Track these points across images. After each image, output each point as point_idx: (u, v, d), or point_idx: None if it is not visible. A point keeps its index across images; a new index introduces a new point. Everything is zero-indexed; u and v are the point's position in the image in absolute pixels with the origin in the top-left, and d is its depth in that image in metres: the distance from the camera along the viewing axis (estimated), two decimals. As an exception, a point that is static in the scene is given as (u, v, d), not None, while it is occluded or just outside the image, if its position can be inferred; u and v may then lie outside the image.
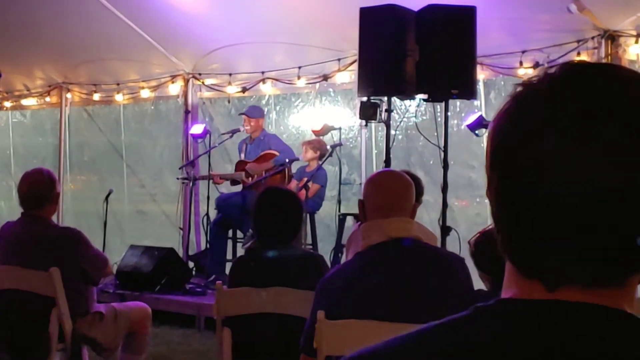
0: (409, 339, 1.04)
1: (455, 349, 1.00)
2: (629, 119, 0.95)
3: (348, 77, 8.25)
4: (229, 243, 8.93)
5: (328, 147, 8.45)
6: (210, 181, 9.07)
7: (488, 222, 7.97)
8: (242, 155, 8.98)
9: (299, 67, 8.77)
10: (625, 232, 0.95)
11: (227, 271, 7.08)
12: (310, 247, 8.09)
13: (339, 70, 8.47)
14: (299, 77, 8.85)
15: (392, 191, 3.48)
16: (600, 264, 0.96)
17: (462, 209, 6.82)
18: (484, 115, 7.49)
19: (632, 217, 0.95)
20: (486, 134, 7.56)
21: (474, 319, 1.01)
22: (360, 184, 8.67)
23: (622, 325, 0.96)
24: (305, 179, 8.20)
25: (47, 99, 11.44)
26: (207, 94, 10.04)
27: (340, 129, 8.72)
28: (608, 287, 0.97)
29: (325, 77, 8.68)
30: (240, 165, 8.89)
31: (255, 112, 9.01)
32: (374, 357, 1.06)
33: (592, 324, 0.95)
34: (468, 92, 6.13)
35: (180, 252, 9.19)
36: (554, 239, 0.96)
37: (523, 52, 7.33)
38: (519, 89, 1.02)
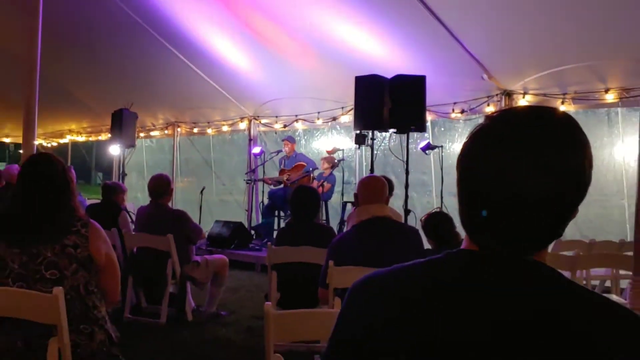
0: (405, 268, 1.04)
1: (434, 274, 1.00)
2: (537, 146, 0.93)
3: (348, 118, 8.22)
4: (275, 220, 8.89)
5: (336, 161, 8.44)
6: (264, 182, 9.13)
7: (434, 207, 7.98)
8: (282, 166, 8.97)
9: (318, 112, 8.74)
10: (536, 221, 0.94)
11: (274, 236, 7.11)
12: (325, 221, 8.07)
13: (342, 114, 8.42)
14: (318, 118, 8.81)
15: (374, 188, 3.47)
16: (525, 242, 0.96)
17: (417, 199, 6.81)
18: (430, 141, 7.47)
19: (538, 211, 0.93)
20: (432, 153, 7.55)
21: (444, 259, 1.01)
22: (355, 183, 8.64)
23: (543, 275, 0.95)
24: (322, 181, 8.21)
25: (166, 131, 11.44)
26: (262, 128, 9.99)
27: (343, 150, 8.71)
28: (529, 251, 0.97)
29: (334, 118, 8.63)
30: (282, 172, 8.88)
31: (290, 139, 9.03)
32: (378, 279, 1.06)
33: (512, 266, 0.95)
34: (421, 127, 6.09)
35: (246, 224, 9.17)
36: (494, 220, 0.95)
37: (454, 103, 7.29)
38: (476, 127, 1.01)
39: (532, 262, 0.96)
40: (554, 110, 1.01)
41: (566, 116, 0.99)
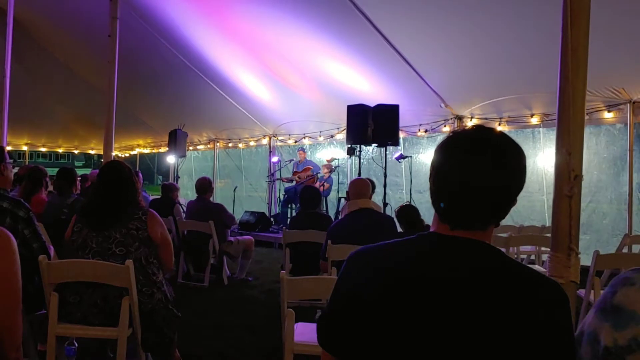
0: (387, 244, 1.03)
1: (408, 251, 0.99)
2: (490, 152, 0.94)
3: (342, 135, 8.21)
4: (289, 210, 8.87)
5: (333, 167, 8.41)
6: (281, 181, 9.13)
7: (404, 201, 7.95)
8: (295, 169, 8.95)
9: (320, 131, 8.71)
10: (487, 208, 0.94)
11: (288, 222, 7.08)
12: (325, 211, 8.05)
13: (338, 133, 8.39)
14: (320, 136, 8.79)
15: (361, 187, 3.45)
16: (475, 219, 0.96)
17: (392, 195, 6.79)
18: (402, 152, 7.45)
19: (488, 201, 0.93)
20: (403, 161, 7.52)
21: (416, 239, 1.00)
22: (347, 184, 8.62)
23: (481, 249, 0.95)
24: (323, 182, 8.18)
25: (208, 145, 11.42)
26: (279, 143, 9.94)
27: (338, 159, 8.65)
28: (478, 230, 0.96)
29: (332, 136, 8.60)
30: (294, 174, 8.91)
31: (303, 150, 9.01)
32: (369, 251, 1.05)
33: (467, 247, 0.95)
34: (395, 142, 6.05)
35: (267, 214, 9.14)
36: (457, 205, 0.95)
37: (420, 124, 7.26)
38: (444, 140, 1.01)
39: (478, 242, 0.95)
40: (494, 129, 1.02)
41: (503, 133, 1.00)
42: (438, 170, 0.98)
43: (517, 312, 0.86)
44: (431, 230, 1.02)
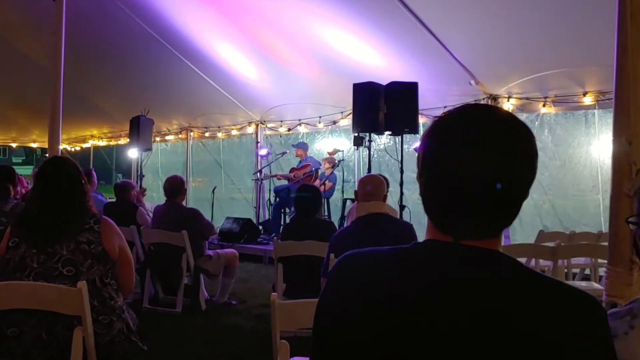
0: (385, 251, 1.04)
1: (404, 260, 1.00)
2: (495, 138, 0.94)
3: (347, 122, 8.19)
4: (281, 216, 8.88)
5: (336, 161, 8.43)
6: (272, 179, 9.16)
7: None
8: (296, 166, 9.00)
9: (320, 117, 8.72)
10: (496, 205, 0.94)
11: (280, 231, 7.11)
12: (327, 217, 8.07)
13: (342, 118, 8.39)
14: (319, 122, 8.80)
15: (372, 186, 3.44)
16: (482, 227, 0.95)
17: (409, 195, 6.77)
18: (423, 142, 7.45)
19: (499, 196, 0.93)
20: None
21: (413, 248, 1.01)
22: (354, 182, 8.64)
23: (492, 258, 0.94)
24: (325, 180, 8.20)
25: (179, 135, 11.44)
26: (268, 132, 9.96)
27: (343, 151, 8.69)
28: (486, 239, 0.96)
29: (334, 122, 8.61)
30: (292, 170, 8.92)
31: (301, 146, 9.05)
32: (362, 255, 1.07)
33: (476, 256, 0.94)
34: (413, 129, 6.07)
35: (254, 220, 9.16)
36: (460, 212, 0.95)
37: (444, 107, 7.21)
38: (436, 120, 1.01)
39: (487, 251, 0.95)
40: (499, 108, 1.03)
41: (510, 113, 1.00)
42: (430, 167, 0.98)
43: (552, 340, 0.85)
44: (427, 237, 1.02)
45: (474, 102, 6.97)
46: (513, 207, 0.95)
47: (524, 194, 0.95)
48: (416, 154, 1.03)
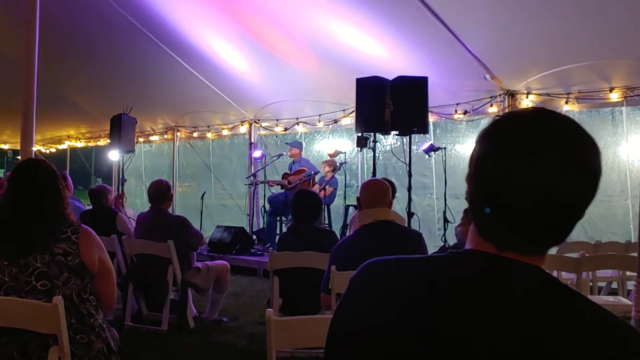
0: (416, 259, 1.04)
1: (440, 270, 1.00)
2: (557, 146, 0.93)
3: (349, 120, 8.22)
4: (277, 224, 8.88)
5: (338, 164, 8.44)
6: (266, 184, 9.14)
7: (435, 210, 7.96)
8: (290, 170, 8.97)
9: (319, 115, 8.75)
10: (547, 224, 0.94)
11: (276, 240, 7.10)
12: (327, 225, 8.07)
13: (343, 117, 8.42)
14: (319, 121, 8.82)
15: (376, 191, 3.45)
16: (529, 242, 0.96)
17: (418, 202, 6.80)
18: (433, 143, 7.47)
19: (551, 214, 0.93)
20: (435, 155, 7.53)
21: (448, 258, 1.01)
22: (357, 186, 8.63)
23: (533, 276, 0.95)
24: (324, 184, 8.20)
25: (165, 136, 11.47)
26: (263, 132, 9.99)
27: (345, 153, 8.70)
28: (532, 255, 0.96)
29: (335, 121, 8.64)
30: (285, 176, 8.90)
31: (295, 145, 9.06)
32: (386, 263, 1.06)
33: (521, 272, 0.95)
34: (423, 129, 6.06)
35: (248, 229, 9.16)
36: (508, 224, 0.95)
37: (457, 104, 7.28)
38: (497, 118, 1.00)
39: (529, 268, 0.96)
40: (558, 113, 1.01)
41: (571, 119, 0.99)
42: (481, 169, 0.98)
43: None
44: (469, 247, 1.02)
45: (489, 99, 6.97)
46: (566, 227, 0.96)
47: (580, 216, 0.95)
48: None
